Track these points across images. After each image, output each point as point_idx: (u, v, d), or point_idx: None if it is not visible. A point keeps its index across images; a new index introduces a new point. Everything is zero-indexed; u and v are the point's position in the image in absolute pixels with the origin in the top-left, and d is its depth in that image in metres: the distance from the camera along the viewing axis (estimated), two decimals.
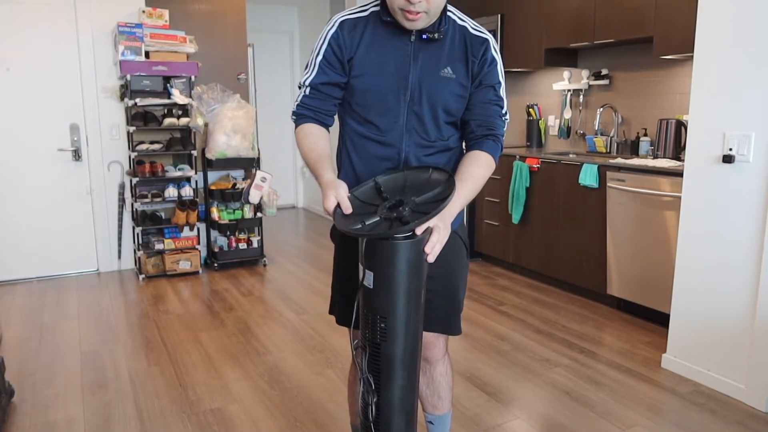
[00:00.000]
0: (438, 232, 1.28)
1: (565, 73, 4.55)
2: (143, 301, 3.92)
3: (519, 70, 4.74)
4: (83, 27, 4.32)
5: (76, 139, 4.42)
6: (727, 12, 2.46)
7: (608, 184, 3.53)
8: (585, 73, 4.37)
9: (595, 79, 4.30)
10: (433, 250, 1.27)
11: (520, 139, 5.04)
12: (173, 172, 4.44)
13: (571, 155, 4.15)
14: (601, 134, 4.29)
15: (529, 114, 4.87)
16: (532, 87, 4.96)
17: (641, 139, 3.95)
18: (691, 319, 2.72)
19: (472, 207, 4.78)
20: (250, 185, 4.27)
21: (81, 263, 4.56)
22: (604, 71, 4.25)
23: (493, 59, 1.52)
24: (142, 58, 4.19)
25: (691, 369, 2.73)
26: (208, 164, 4.56)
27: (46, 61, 4.27)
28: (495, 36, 4.66)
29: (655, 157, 3.68)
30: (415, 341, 1.35)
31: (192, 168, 4.46)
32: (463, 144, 1.61)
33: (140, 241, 4.41)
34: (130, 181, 4.40)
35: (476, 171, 1.47)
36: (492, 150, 1.51)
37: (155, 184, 4.49)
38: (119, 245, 4.62)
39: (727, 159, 2.48)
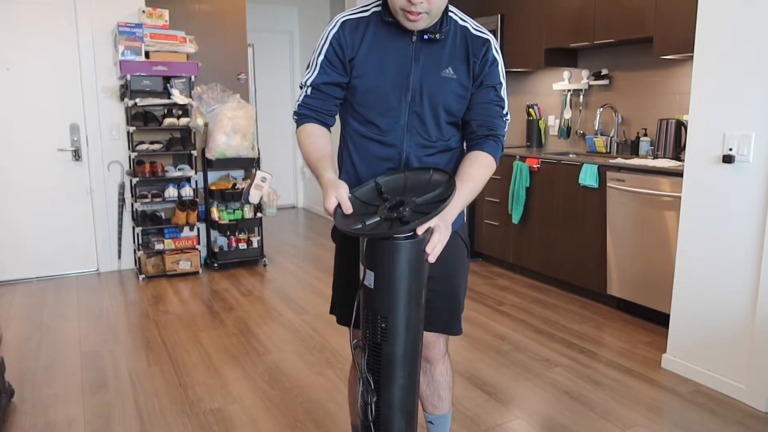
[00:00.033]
0: (439, 232, 1.28)
1: (565, 73, 4.55)
2: (143, 301, 3.92)
3: (519, 70, 4.74)
4: (83, 27, 4.32)
5: (76, 139, 4.42)
6: (727, 12, 2.46)
7: (608, 184, 3.53)
8: (585, 73, 4.37)
9: (595, 79, 4.30)
10: (434, 250, 1.27)
11: (520, 139, 5.04)
12: (173, 172, 4.44)
13: (571, 155, 4.15)
14: (601, 134, 4.29)
15: (529, 114, 4.87)
16: (532, 87, 4.96)
17: (641, 139, 3.95)
18: (691, 319, 2.72)
19: (473, 207, 4.78)
20: (250, 185, 4.27)
21: (81, 263, 4.56)
22: (604, 71, 4.25)
23: (495, 60, 1.52)
24: (142, 58, 4.19)
25: (691, 369, 2.73)
26: (208, 164, 4.56)
27: (46, 61, 4.27)
28: (495, 36, 4.65)
29: (655, 157, 3.68)
30: (415, 341, 1.35)
31: (192, 168, 4.46)
32: (464, 144, 1.61)
33: (140, 241, 4.41)
34: (130, 181, 4.40)
35: (477, 171, 1.47)
36: (493, 150, 1.51)
37: (155, 184, 4.49)
38: (119, 245, 4.62)
39: (727, 159, 2.48)
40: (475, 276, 4.40)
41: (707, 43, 2.55)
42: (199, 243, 4.58)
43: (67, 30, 4.30)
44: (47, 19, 4.24)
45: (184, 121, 4.35)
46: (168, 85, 4.33)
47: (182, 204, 4.40)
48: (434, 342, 1.68)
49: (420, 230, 1.26)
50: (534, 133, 4.83)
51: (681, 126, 3.58)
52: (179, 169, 4.48)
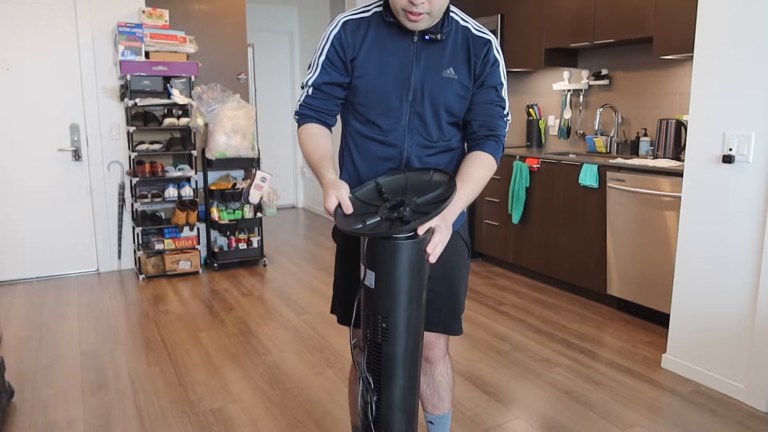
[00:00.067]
0: (440, 233, 1.28)
1: (565, 73, 4.55)
2: (143, 301, 3.92)
3: (519, 70, 4.74)
4: (83, 27, 4.32)
5: (76, 139, 4.42)
6: (727, 12, 2.46)
7: (608, 184, 3.53)
8: (585, 73, 4.37)
9: (595, 79, 4.30)
10: (434, 250, 1.27)
11: (520, 139, 5.04)
12: (173, 172, 4.44)
13: (571, 155, 4.15)
14: (601, 134, 4.29)
15: (529, 114, 4.87)
16: (532, 87, 4.96)
17: (641, 139, 3.95)
18: (691, 319, 2.73)
19: (473, 207, 4.78)
20: (250, 185, 4.27)
21: (81, 263, 4.56)
22: (604, 71, 4.25)
23: (496, 60, 1.52)
24: (142, 58, 4.19)
25: (691, 369, 2.73)
26: (208, 164, 4.56)
27: (46, 61, 4.27)
28: (495, 36, 4.66)
29: (655, 157, 3.69)
30: (416, 341, 1.35)
31: (192, 168, 4.46)
32: (465, 144, 1.61)
33: (140, 241, 4.41)
34: (130, 181, 4.40)
35: (477, 171, 1.47)
36: (493, 151, 1.51)
37: (155, 184, 4.49)
38: (119, 245, 4.62)
39: (727, 159, 2.48)
40: (475, 276, 4.40)
41: (707, 43, 2.55)
42: (199, 243, 4.58)
43: (67, 30, 4.30)
44: (47, 19, 4.24)
45: (184, 121, 4.35)
46: (168, 85, 4.33)
47: (182, 204, 4.40)
48: (435, 342, 1.68)
49: (421, 230, 1.26)
50: (534, 133, 4.83)
51: (681, 126, 3.58)
52: (179, 169, 4.48)
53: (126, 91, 4.27)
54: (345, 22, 1.51)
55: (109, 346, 3.17)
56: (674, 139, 3.60)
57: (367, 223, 1.28)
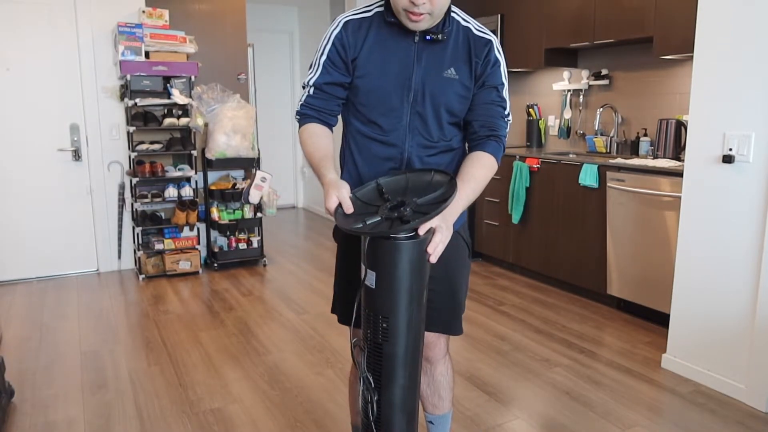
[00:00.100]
0: (440, 233, 1.28)
1: (565, 73, 4.56)
2: (143, 301, 3.92)
3: (519, 70, 4.74)
4: (83, 27, 4.32)
5: (76, 139, 4.42)
6: (727, 12, 2.46)
7: (608, 184, 3.54)
8: (585, 73, 4.37)
9: (595, 79, 4.30)
10: (435, 250, 1.27)
11: (520, 139, 5.04)
12: (173, 172, 4.44)
13: (571, 155, 4.15)
14: (601, 134, 4.29)
15: (529, 114, 4.87)
16: (532, 87, 4.96)
17: (641, 139, 3.95)
18: (691, 319, 2.73)
19: (473, 207, 4.77)
20: (250, 185, 4.27)
21: (81, 263, 4.56)
22: (604, 71, 4.25)
23: (497, 60, 1.52)
24: (142, 58, 4.19)
25: (691, 369, 2.73)
26: (208, 164, 4.56)
27: (46, 61, 4.27)
28: (495, 36, 4.66)
29: (655, 157, 3.69)
30: (416, 341, 1.35)
31: (192, 168, 4.46)
32: (466, 145, 1.61)
33: (140, 241, 4.41)
34: (130, 181, 4.40)
35: (478, 172, 1.47)
36: (494, 151, 1.51)
37: (155, 184, 4.49)
38: (119, 245, 4.62)
39: (727, 159, 2.48)
40: (475, 276, 4.40)
41: (707, 43, 2.55)
42: (199, 243, 4.58)
43: (67, 30, 4.30)
44: (47, 19, 4.24)
45: (184, 121, 4.35)
46: (168, 85, 4.33)
47: (182, 204, 4.40)
48: (435, 342, 1.68)
49: (422, 230, 1.26)
50: (534, 133, 4.84)
51: (681, 126, 3.58)
52: (179, 169, 4.48)
53: (126, 91, 4.27)
54: (346, 22, 1.51)
55: (109, 346, 3.17)
56: (674, 139, 3.60)
57: (368, 222, 1.28)
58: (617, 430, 2.31)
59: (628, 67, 4.11)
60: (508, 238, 4.45)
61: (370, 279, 1.30)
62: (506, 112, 1.55)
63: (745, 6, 2.39)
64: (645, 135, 3.96)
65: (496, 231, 4.58)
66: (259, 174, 4.29)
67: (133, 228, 4.51)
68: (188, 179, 4.47)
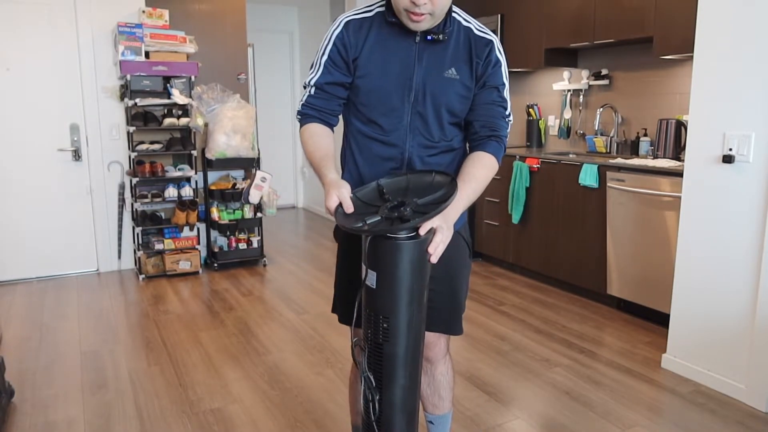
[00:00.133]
0: (441, 233, 1.28)
1: (565, 73, 4.56)
2: (143, 301, 3.92)
3: (519, 70, 4.74)
4: (83, 27, 4.32)
5: (76, 139, 4.42)
6: (727, 12, 2.46)
7: (608, 184, 3.54)
8: (585, 73, 4.38)
9: (595, 79, 4.30)
10: (436, 250, 1.27)
11: (520, 139, 5.04)
12: (173, 172, 4.44)
13: (571, 155, 4.15)
14: (601, 134, 4.29)
15: (529, 114, 4.87)
16: (532, 87, 4.96)
17: (641, 139, 3.95)
18: (691, 319, 2.73)
19: (473, 207, 4.74)
20: (250, 185, 4.27)
21: (81, 263, 4.56)
22: (604, 71, 4.26)
23: (498, 60, 1.52)
24: (142, 58, 4.19)
25: (691, 369, 2.73)
26: (208, 164, 4.56)
27: (46, 61, 4.27)
28: (496, 36, 4.67)
29: (655, 157, 3.69)
30: (417, 341, 1.35)
31: (192, 168, 4.46)
32: (467, 145, 1.61)
33: (140, 241, 4.41)
34: (130, 181, 4.40)
35: (479, 172, 1.47)
36: (495, 151, 1.51)
37: (155, 184, 4.48)
38: (119, 245, 4.62)
39: (727, 159, 2.48)
40: (475, 276, 4.40)
41: (707, 43, 2.55)
42: (199, 243, 4.58)
43: (67, 30, 4.30)
44: (47, 19, 4.23)
45: (184, 121, 4.35)
46: (168, 85, 4.33)
47: (182, 204, 4.40)
48: (435, 342, 1.68)
49: (422, 230, 1.26)
50: (534, 133, 4.84)
51: (681, 126, 3.58)
52: (179, 169, 4.48)
53: (126, 91, 4.27)
54: (347, 22, 1.51)
55: (109, 346, 3.17)
56: (674, 139, 3.60)
57: (368, 221, 1.28)
58: (617, 430, 2.31)
59: (628, 67, 4.11)
60: (508, 238, 4.45)
61: (371, 279, 1.30)
62: (507, 113, 1.56)
63: (745, 6, 2.39)
64: (645, 135, 3.96)
65: (496, 231, 4.58)
66: (259, 174, 4.29)
67: (133, 228, 4.51)
68: (188, 179, 4.47)
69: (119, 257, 4.65)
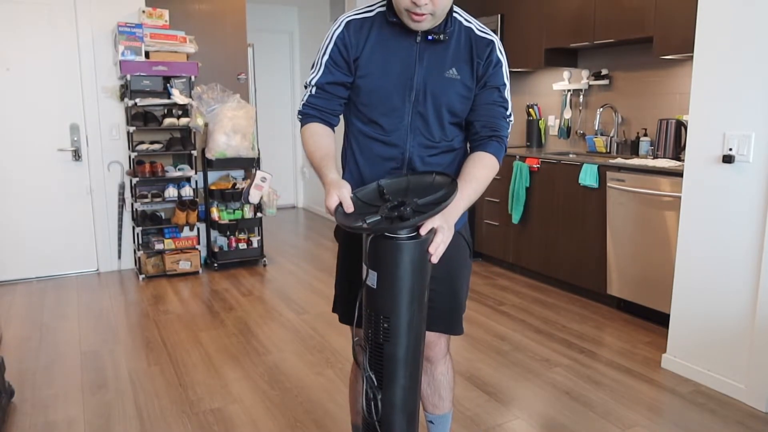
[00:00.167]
0: (442, 233, 1.28)
1: (565, 73, 4.56)
2: (143, 301, 3.92)
3: (519, 70, 4.74)
4: (83, 27, 4.32)
5: (76, 139, 4.42)
6: (727, 12, 2.46)
7: (608, 184, 3.54)
8: (585, 73, 4.38)
9: (595, 79, 4.30)
10: (437, 250, 1.28)
11: (520, 139, 5.04)
12: (173, 172, 4.44)
13: (571, 155, 4.16)
14: (601, 134, 4.29)
15: (529, 114, 4.87)
16: (532, 87, 4.96)
17: (641, 139, 3.95)
18: (691, 319, 2.73)
19: (473, 207, 4.75)
20: (250, 185, 4.27)
21: (81, 263, 4.56)
22: (604, 71, 4.26)
23: (499, 61, 1.52)
24: (142, 58, 4.19)
25: (691, 369, 2.73)
26: (208, 164, 4.56)
27: (46, 61, 4.27)
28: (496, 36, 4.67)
29: (655, 157, 3.69)
30: (417, 341, 1.35)
31: (192, 168, 4.46)
32: (467, 145, 1.61)
33: (140, 241, 4.41)
34: (130, 181, 4.40)
35: (480, 172, 1.47)
36: (496, 151, 1.51)
37: (155, 184, 4.48)
38: (119, 245, 4.62)
39: (727, 159, 2.48)
40: (475, 276, 4.40)
41: (707, 44, 2.55)
42: (199, 243, 4.58)
43: (67, 30, 4.30)
44: (47, 19, 4.23)
45: (184, 121, 4.35)
46: (168, 85, 4.33)
47: (182, 204, 4.39)
48: (435, 342, 1.68)
49: (423, 230, 1.26)
50: (534, 133, 4.84)
51: (681, 126, 3.58)
52: (179, 169, 4.48)
53: (126, 91, 4.27)
54: (348, 22, 1.51)
55: (109, 346, 3.17)
56: (674, 139, 3.60)
57: (368, 221, 1.28)
58: (617, 430, 2.31)
59: (628, 67, 4.11)
60: (508, 238, 4.45)
61: (372, 279, 1.30)
62: (508, 113, 1.56)
63: (745, 6, 2.39)
64: (645, 135, 3.96)
65: (496, 231, 4.58)
66: (259, 174, 4.29)
67: (133, 228, 4.51)
68: (188, 179, 4.47)
69: (119, 257, 4.65)
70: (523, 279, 4.36)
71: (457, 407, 2.47)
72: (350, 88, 1.54)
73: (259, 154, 4.64)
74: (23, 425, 2.37)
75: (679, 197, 2.80)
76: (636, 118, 4.08)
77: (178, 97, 4.27)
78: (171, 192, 4.38)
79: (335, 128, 1.59)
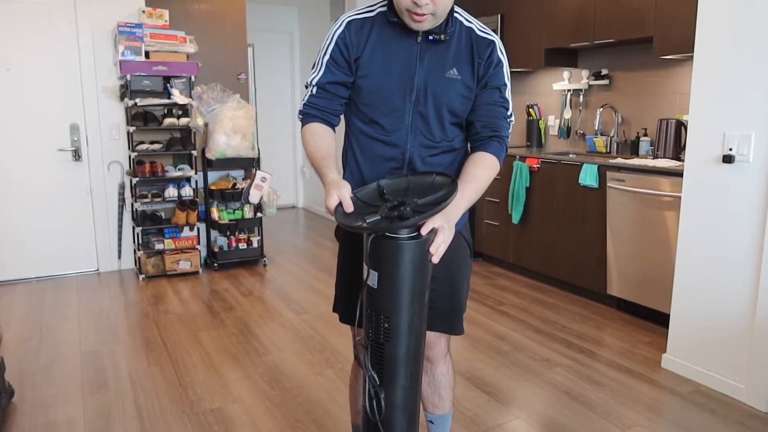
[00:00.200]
0: (443, 233, 1.29)
1: (565, 73, 4.56)
2: (143, 301, 3.92)
3: (519, 70, 4.74)
4: (83, 27, 4.32)
5: (76, 139, 4.42)
6: (727, 12, 2.46)
7: (608, 184, 3.54)
8: (585, 73, 4.38)
9: (595, 79, 4.30)
10: (437, 250, 1.28)
11: (520, 139, 5.04)
12: (173, 172, 4.44)
13: (571, 155, 4.16)
14: (601, 134, 4.29)
15: (529, 114, 4.87)
16: (532, 87, 4.97)
17: (641, 139, 3.95)
18: (691, 319, 2.73)
19: (473, 207, 4.75)
20: (250, 185, 4.27)
21: (81, 263, 4.56)
22: (604, 71, 4.26)
23: (499, 61, 1.52)
24: (142, 58, 4.19)
25: (691, 369, 2.73)
26: (208, 164, 4.56)
27: (46, 61, 4.27)
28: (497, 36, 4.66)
29: (655, 157, 3.69)
30: (418, 341, 1.35)
31: (192, 168, 4.46)
32: (468, 145, 1.61)
33: (140, 241, 4.41)
34: (130, 181, 4.40)
35: (480, 172, 1.47)
36: (496, 151, 1.51)
37: (155, 184, 4.48)
38: (119, 245, 4.62)
39: (727, 159, 2.48)
40: (475, 276, 4.40)
41: (707, 44, 2.55)
42: (199, 243, 4.58)
43: (67, 30, 4.30)
44: (47, 19, 4.23)
45: (184, 121, 4.35)
46: (168, 85, 4.33)
47: (182, 204, 4.39)
48: (436, 341, 1.68)
49: (424, 230, 1.26)
50: (534, 133, 4.84)
51: (681, 126, 3.58)
52: (179, 169, 4.48)
53: (126, 91, 4.27)
54: (349, 22, 1.51)
55: (109, 346, 3.17)
56: (674, 139, 3.60)
57: (367, 220, 1.28)
58: (617, 430, 2.32)
59: (628, 67, 4.11)
60: (508, 238, 4.45)
61: (373, 279, 1.30)
62: (509, 113, 1.56)
63: (745, 6, 2.39)
64: (645, 135, 3.96)
65: (496, 231, 4.58)
66: (259, 174, 4.29)
67: (133, 228, 4.51)
68: (188, 179, 4.47)
69: (119, 257, 4.64)
70: (523, 279, 4.36)
71: (457, 407, 2.47)
72: (351, 88, 1.54)
73: (259, 154, 4.64)
74: (23, 425, 2.37)
75: (679, 197, 2.80)
76: (636, 118, 4.08)
77: (178, 97, 4.27)
78: (171, 192, 4.38)
79: (336, 128, 1.59)
